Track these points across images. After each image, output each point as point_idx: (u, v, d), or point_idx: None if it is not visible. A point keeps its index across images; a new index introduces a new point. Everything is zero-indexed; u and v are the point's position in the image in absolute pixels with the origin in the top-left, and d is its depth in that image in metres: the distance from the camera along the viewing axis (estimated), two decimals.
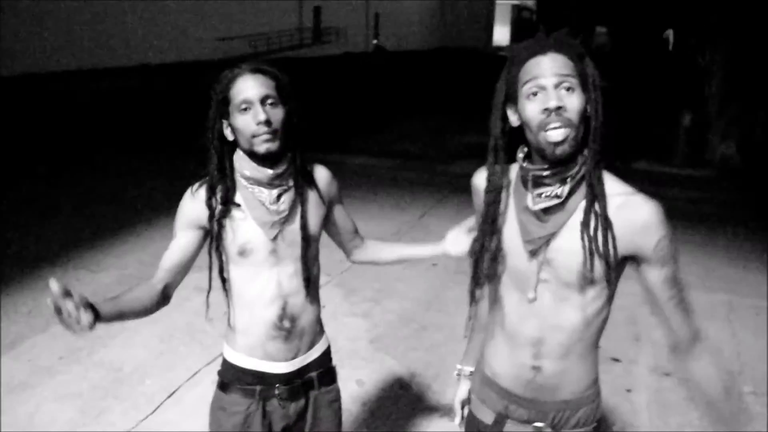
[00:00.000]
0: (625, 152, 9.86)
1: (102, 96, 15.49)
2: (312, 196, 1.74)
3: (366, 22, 40.90)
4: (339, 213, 1.90)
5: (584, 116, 1.33)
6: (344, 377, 3.53)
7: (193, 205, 1.69)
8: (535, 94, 1.32)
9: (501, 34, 62.15)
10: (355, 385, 3.41)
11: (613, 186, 1.39)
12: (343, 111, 13.83)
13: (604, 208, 1.35)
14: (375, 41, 40.58)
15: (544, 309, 1.44)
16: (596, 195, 1.35)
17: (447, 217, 6.61)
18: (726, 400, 1.45)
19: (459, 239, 1.84)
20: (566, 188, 1.36)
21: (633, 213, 1.36)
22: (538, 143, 1.34)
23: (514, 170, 1.49)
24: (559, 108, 1.29)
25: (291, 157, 1.67)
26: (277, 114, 1.60)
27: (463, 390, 1.82)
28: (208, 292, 1.73)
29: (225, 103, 1.62)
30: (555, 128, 1.29)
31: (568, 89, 1.31)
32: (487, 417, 1.60)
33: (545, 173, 1.35)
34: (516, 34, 64.23)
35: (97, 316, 1.44)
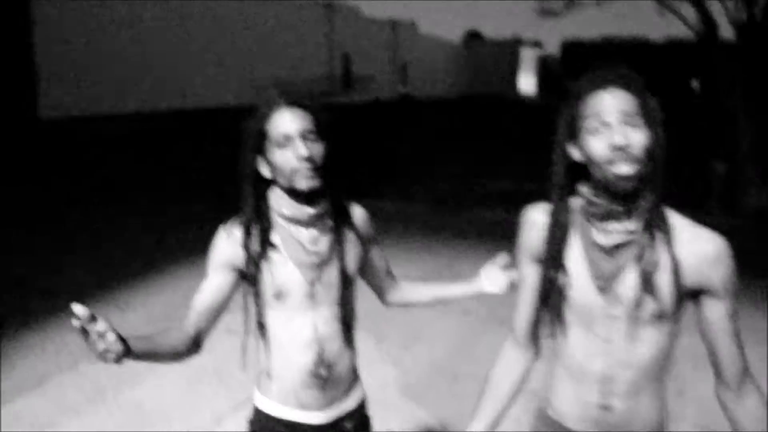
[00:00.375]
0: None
1: (137, 138, 15.81)
2: (351, 237, 1.67)
3: (394, 70, 41.57)
4: (376, 253, 1.81)
5: (649, 152, 1.31)
6: (373, 427, 3.46)
7: (228, 245, 1.60)
8: (598, 130, 1.31)
9: (526, 82, 62.73)
10: None
11: (679, 220, 1.40)
12: (372, 156, 13.92)
13: (670, 242, 1.35)
14: (402, 88, 41.16)
15: (613, 346, 1.41)
16: (662, 229, 1.35)
17: (477, 264, 6.49)
18: None
19: (495, 276, 1.82)
20: (637, 222, 1.35)
21: (703, 246, 1.36)
22: (606, 178, 1.32)
23: (572, 205, 1.46)
24: (626, 146, 1.28)
25: (331, 196, 1.60)
26: (318, 149, 1.52)
27: None
28: (245, 338, 1.62)
29: (261, 137, 1.54)
30: (623, 164, 1.28)
31: (633, 126, 1.30)
32: None
33: (620, 208, 1.34)
34: (541, 82, 64.81)
35: (127, 350, 1.36)
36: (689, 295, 1.38)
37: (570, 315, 1.46)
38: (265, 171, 1.57)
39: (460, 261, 6.65)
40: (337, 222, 1.62)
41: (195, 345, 1.63)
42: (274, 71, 28.28)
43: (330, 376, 1.63)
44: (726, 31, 10.31)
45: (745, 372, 1.43)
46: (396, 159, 14.20)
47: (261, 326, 1.62)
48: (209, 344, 4.65)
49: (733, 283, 1.38)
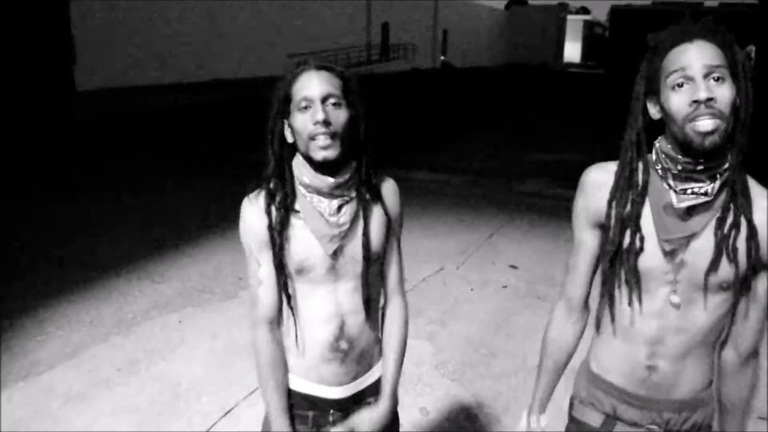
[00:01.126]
0: None
1: (175, 110, 15.90)
2: (376, 211, 1.57)
3: (434, 39, 40.92)
4: (390, 246, 1.65)
5: (734, 108, 1.24)
6: (407, 404, 3.34)
7: (257, 218, 1.52)
8: (681, 85, 1.24)
9: (572, 51, 61.15)
10: (418, 413, 3.20)
11: (755, 186, 1.33)
12: (410, 126, 13.72)
13: (749, 208, 1.29)
14: (443, 57, 40.53)
15: (670, 311, 1.37)
16: (742, 194, 1.29)
17: (516, 237, 6.34)
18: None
19: None
20: (716, 185, 1.27)
21: None
22: (685, 136, 1.24)
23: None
24: (709, 100, 1.20)
25: (356, 166, 1.51)
26: (340, 116, 1.44)
27: None
28: (258, 301, 1.57)
29: (287, 101, 1.48)
30: (705, 118, 1.20)
31: (717, 79, 1.22)
32: (594, 419, 1.52)
33: (698, 167, 1.26)
34: (587, 51, 63.01)
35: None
36: (761, 265, 1.32)
37: (629, 276, 1.38)
38: (289, 136, 1.50)
39: (499, 234, 6.47)
40: (362, 194, 1.53)
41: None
42: (311, 41, 28.10)
43: (351, 350, 1.59)
44: None
45: (758, 350, 1.44)
46: (434, 130, 13.96)
47: (288, 297, 1.55)
48: (240, 319, 4.62)
49: None
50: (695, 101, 1.20)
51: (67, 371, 3.60)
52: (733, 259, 1.28)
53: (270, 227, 1.49)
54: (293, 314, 1.57)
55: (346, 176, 1.49)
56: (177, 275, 5.07)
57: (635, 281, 1.37)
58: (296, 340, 1.59)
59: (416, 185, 8.33)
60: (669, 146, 1.30)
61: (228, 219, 6.87)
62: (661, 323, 1.38)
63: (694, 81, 1.22)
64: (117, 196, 7.65)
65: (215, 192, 7.81)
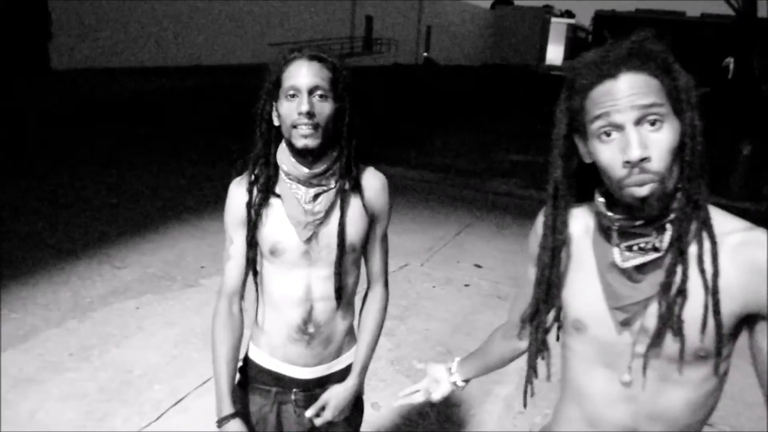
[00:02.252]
0: None
1: (146, 94, 15.69)
2: (355, 202, 1.59)
3: (417, 35, 40.89)
4: (378, 232, 1.68)
5: (680, 149, 1.02)
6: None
7: (241, 198, 1.58)
8: (609, 134, 1.02)
9: (554, 53, 61.54)
10: (371, 407, 3.20)
11: (722, 223, 1.07)
12: (388, 121, 13.69)
13: (712, 256, 1.04)
14: (425, 54, 40.52)
15: (640, 392, 1.13)
16: (699, 242, 1.05)
17: (483, 235, 6.36)
18: None
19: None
20: (665, 237, 1.05)
21: (755, 258, 1.02)
22: (622, 197, 1.05)
23: (586, 214, 1.19)
24: (643, 160, 0.99)
25: (336, 157, 1.54)
26: (324, 108, 1.47)
27: (442, 389, 1.60)
28: (225, 275, 1.66)
29: (276, 85, 1.51)
30: (639, 185, 1.00)
31: (654, 123, 1.00)
32: None
33: (637, 223, 1.06)
34: (570, 54, 63.47)
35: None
36: (742, 321, 1.06)
37: (587, 351, 1.18)
38: (275, 119, 1.54)
39: (467, 232, 6.49)
40: (341, 185, 1.56)
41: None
42: (294, 30, 27.92)
43: (317, 334, 1.62)
44: (765, 10, 9.89)
45: None
46: (410, 126, 13.95)
47: (255, 273, 1.62)
48: (200, 306, 4.57)
49: None
50: (627, 162, 1.00)
51: (18, 355, 3.54)
52: (678, 332, 1.05)
53: (248, 205, 1.55)
54: (259, 292, 1.64)
55: (324, 167, 1.52)
56: (138, 261, 5.00)
57: (594, 356, 1.17)
58: (264, 318, 1.65)
59: (391, 181, 8.31)
60: (602, 202, 1.12)
61: (194, 206, 6.86)
62: (631, 409, 1.14)
63: (624, 130, 1.00)
64: (83, 178, 7.52)
65: (185, 179, 7.73)
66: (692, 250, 1.06)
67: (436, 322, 4.27)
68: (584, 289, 1.16)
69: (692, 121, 1.02)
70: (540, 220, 1.24)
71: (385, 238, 1.73)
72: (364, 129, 1.57)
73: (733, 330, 1.07)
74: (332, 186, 1.55)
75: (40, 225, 5.69)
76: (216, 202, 5.96)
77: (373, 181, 1.63)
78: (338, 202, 1.55)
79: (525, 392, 1.29)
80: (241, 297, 1.68)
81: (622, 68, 1.01)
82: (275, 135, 1.55)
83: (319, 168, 1.51)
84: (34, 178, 7.34)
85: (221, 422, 1.60)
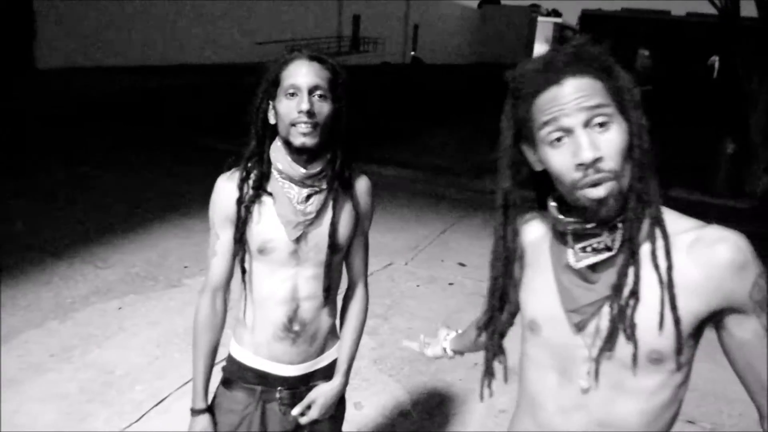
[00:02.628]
0: (663, 178, 9.51)
1: (131, 93, 15.59)
2: (346, 205, 1.63)
3: (404, 34, 40.90)
4: (356, 238, 1.72)
5: (629, 149, 1.03)
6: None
7: (229, 193, 1.58)
8: (559, 139, 1.02)
9: (541, 52, 61.74)
10: (353, 407, 3.20)
11: (675, 223, 1.07)
12: (374, 120, 13.69)
13: (666, 257, 1.02)
14: (413, 53, 40.55)
15: (593, 399, 1.10)
16: (653, 242, 1.04)
17: (468, 235, 6.38)
18: None
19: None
20: (617, 236, 1.04)
21: (714, 253, 1.01)
22: (576, 201, 1.04)
23: (544, 220, 1.19)
24: (596, 161, 0.98)
25: (330, 159, 1.56)
26: (323, 108, 1.49)
27: (435, 349, 1.75)
28: (209, 271, 1.68)
29: (275, 84, 1.52)
30: (595, 186, 1.00)
31: (602, 124, 1.00)
32: None
33: (589, 225, 1.05)
34: None
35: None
36: (704, 322, 1.05)
37: (540, 355, 1.16)
38: (272, 117, 1.55)
39: (452, 231, 6.51)
40: (333, 186, 1.57)
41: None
42: (281, 29, 27.84)
43: (303, 332, 1.64)
44: (749, 9, 9.99)
45: None
46: (398, 125, 13.95)
47: (243, 272, 1.62)
48: (182, 306, 4.53)
49: (765, 289, 1.03)
50: (581, 164, 0.99)
51: None
52: (631, 335, 1.03)
53: (239, 201, 1.55)
54: (246, 289, 1.64)
55: (319, 168, 1.54)
56: (121, 261, 4.98)
57: (549, 362, 1.15)
58: (249, 316, 1.65)
59: (373, 179, 8.31)
60: (555, 206, 1.11)
61: (179, 206, 6.81)
62: (585, 419, 1.11)
63: (574, 134, 1.00)
64: (65, 178, 7.47)
65: (169, 178, 7.70)
66: (645, 249, 1.05)
67: (420, 321, 4.28)
68: (541, 290, 1.15)
69: (638, 120, 1.03)
70: (525, 228, 1.23)
71: (366, 238, 1.76)
72: (358, 131, 1.60)
73: (693, 331, 1.05)
74: (324, 187, 1.56)
75: (22, 225, 5.64)
76: (200, 201, 5.94)
77: (362, 184, 1.67)
78: (330, 203, 1.58)
79: (481, 391, 1.27)
80: (226, 292, 1.69)
81: (566, 73, 1.01)
82: (270, 133, 1.57)
83: (315, 169, 1.53)
84: (16, 177, 7.27)
85: (192, 413, 1.69)
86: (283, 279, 1.59)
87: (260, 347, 1.65)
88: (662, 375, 1.06)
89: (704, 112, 15.21)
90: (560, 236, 1.11)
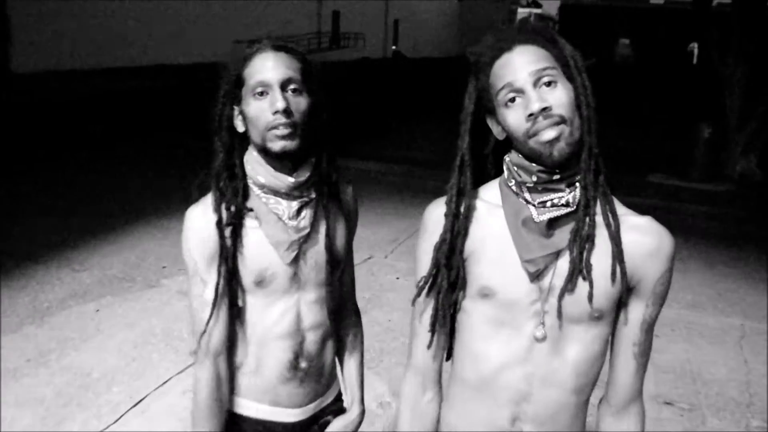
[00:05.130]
0: (641, 164, 9.58)
1: (108, 95, 15.46)
2: (338, 214, 1.44)
3: (385, 28, 40.87)
4: (348, 248, 1.53)
5: (577, 108, 1.11)
6: None
7: (208, 222, 1.32)
8: (513, 100, 1.12)
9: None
10: None
11: (621, 208, 1.19)
12: (357, 116, 13.68)
13: (615, 215, 1.14)
14: (394, 47, 40.53)
15: (537, 352, 1.17)
16: (603, 204, 1.15)
17: None
18: None
19: None
20: (577, 193, 1.13)
21: (645, 236, 1.15)
22: (531, 151, 1.11)
23: (495, 188, 1.23)
24: (545, 109, 1.08)
25: (315, 162, 1.36)
26: (300, 104, 1.29)
27: None
28: (204, 331, 1.35)
29: (238, 84, 1.31)
30: (546, 129, 1.08)
31: (549, 84, 1.10)
32: None
33: (554, 177, 1.12)
34: None
35: None
36: (627, 292, 1.16)
37: (490, 312, 1.19)
38: (239, 125, 1.33)
39: None
40: (323, 194, 1.38)
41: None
42: (260, 27, 27.70)
43: (310, 369, 1.44)
44: None
45: (636, 396, 1.23)
46: (379, 120, 13.95)
47: (238, 313, 1.39)
48: (160, 306, 4.51)
49: (665, 288, 1.17)
50: (531, 114, 1.09)
51: None
52: (588, 276, 1.12)
53: (220, 232, 1.31)
54: (243, 332, 1.41)
55: (306, 174, 1.34)
56: (98, 263, 4.94)
57: (495, 317, 1.18)
58: (249, 360, 1.42)
59: (353, 174, 8.31)
60: (519, 157, 1.16)
61: (156, 206, 6.77)
62: (527, 371, 1.17)
63: (525, 93, 1.10)
64: (43, 181, 7.40)
65: (147, 178, 7.64)
66: (598, 217, 1.15)
67: (399, 313, 4.29)
68: (493, 257, 1.18)
69: (583, 83, 1.12)
70: (440, 210, 1.24)
71: (351, 250, 1.57)
72: (340, 127, 1.44)
73: (623, 297, 1.16)
74: (314, 196, 1.36)
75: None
76: (179, 201, 5.90)
77: (348, 189, 1.51)
78: (322, 213, 1.38)
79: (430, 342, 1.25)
80: (229, 353, 1.41)
81: (516, 42, 1.13)
82: (239, 142, 1.35)
83: (303, 176, 1.33)
84: None
85: None
86: (284, 310, 1.38)
87: (264, 394, 1.43)
88: (598, 329, 1.18)
89: (684, 99, 15.31)
90: (517, 194, 1.17)
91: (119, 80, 18.08)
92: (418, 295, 1.24)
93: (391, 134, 12.19)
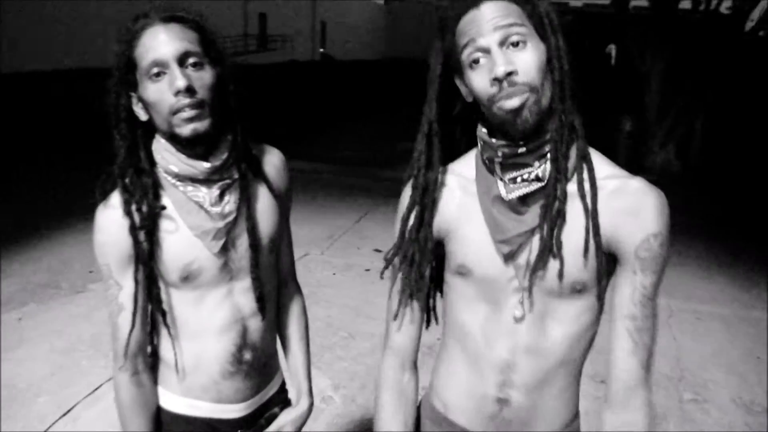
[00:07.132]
0: None
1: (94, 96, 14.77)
2: (262, 190, 1.32)
3: (312, 31, 40.71)
4: (285, 216, 1.42)
5: (549, 71, 1.04)
6: None
7: (119, 222, 1.21)
8: (477, 61, 1.03)
9: None
10: None
11: (600, 165, 1.09)
12: (286, 118, 13.55)
13: (593, 184, 1.05)
14: (322, 50, 40.42)
15: (519, 327, 1.13)
16: (578, 173, 1.07)
17: (382, 222, 6.41)
18: None
19: None
20: (547, 167, 1.05)
21: (621, 198, 1.06)
22: (494, 117, 1.05)
23: (467, 163, 1.18)
24: (509, 75, 1.00)
25: (231, 140, 1.23)
26: (204, 78, 1.15)
27: None
28: (130, 331, 1.27)
29: (130, 67, 1.17)
30: (511, 95, 1.01)
31: (517, 44, 1.01)
32: None
33: (520, 150, 1.05)
34: None
35: None
36: (608, 259, 1.09)
37: (470, 289, 1.16)
38: (140, 113, 1.20)
39: (366, 219, 6.54)
40: (243, 173, 1.27)
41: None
42: None
43: (254, 361, 1.36)
44: None
45: (636, 384, 1.10)
46: (309, 121, 13.88)
47: (164, 315, 1.29)
48: (88, 312, 4.33)
49: (656, 253, 1.06)
50: (495, 79, 1.01)
51: None
52: (558, 254, 1.06)
53: (132, 231, 1.20)
54: (170, 331, 1.31)
55: (224, 156, 1.22)
56: (20, 270, 4.69)
57: (476, 294, 1.15)
58: (185, 359, 1.33)
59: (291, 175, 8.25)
60: (485, 132, 1.10)
61: (82, 209, 6.45)
62: (511, 343, 1.14)
63: (491, 53, 1.01)
64: None
65: (75, 183, 7.31)
66: (573, 185, 1.08)
67: (338, 308, 4.26)
68: (468, 235, 1.14)
69: (557, 43, 1.04)
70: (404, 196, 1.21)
71: (288, 227, 1.47)
72: (251, 99, 1.31)
73: (605, 264, 1.09)
74: (235, 177, 1.25)
75: None
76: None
77: (272, 159, 1.37)
78: (245, 194, 1.27)
79: (395, 318, 1.23)
80: (147, 357, 1.34)
81: None
82: (142, 132, 1.23)
83: (220, 158, 1.21)
84: None
85: None
86: (219, 302, 1.29)
87: (206, 391, 1.34)
88: (584, 302, 1.11)
89: (605, 97, 15.89)
90: (488, 169, 1.12)
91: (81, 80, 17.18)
92: (386, 268, 1.19)
93: (323, 135, 12.13)
